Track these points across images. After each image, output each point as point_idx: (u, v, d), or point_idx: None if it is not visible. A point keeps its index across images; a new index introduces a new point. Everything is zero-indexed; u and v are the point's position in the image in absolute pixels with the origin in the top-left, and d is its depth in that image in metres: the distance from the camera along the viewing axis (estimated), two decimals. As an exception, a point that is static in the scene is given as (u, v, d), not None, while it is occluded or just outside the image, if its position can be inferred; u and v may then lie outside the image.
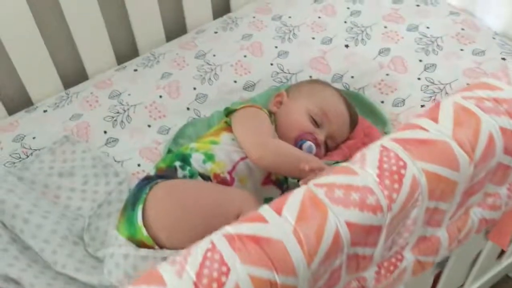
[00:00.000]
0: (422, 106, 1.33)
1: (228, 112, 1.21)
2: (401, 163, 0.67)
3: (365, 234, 0.65)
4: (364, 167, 0.67)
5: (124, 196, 1.21)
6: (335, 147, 1.24)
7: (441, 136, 0.70)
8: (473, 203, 0.80)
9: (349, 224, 0.63)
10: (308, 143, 1.15)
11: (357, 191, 0.65)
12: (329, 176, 0.67)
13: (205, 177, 1.09)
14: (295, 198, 0.64)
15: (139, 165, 1.28)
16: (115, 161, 1.29)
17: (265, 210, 0.64)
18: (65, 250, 1.08)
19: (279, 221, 0.62)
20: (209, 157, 1.11)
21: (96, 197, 1.22)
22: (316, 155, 1.17)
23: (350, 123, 1.25)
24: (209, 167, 1.10)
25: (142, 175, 1.25)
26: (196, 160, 1.11)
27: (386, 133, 1.28)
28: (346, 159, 1.23)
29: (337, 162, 1.21)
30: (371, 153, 0.69)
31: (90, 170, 1.27)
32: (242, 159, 1.12)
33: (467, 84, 1.35)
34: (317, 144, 1.17)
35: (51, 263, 1.06)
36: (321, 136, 1.19)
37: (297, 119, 1.19)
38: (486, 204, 0.83)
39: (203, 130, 1.33)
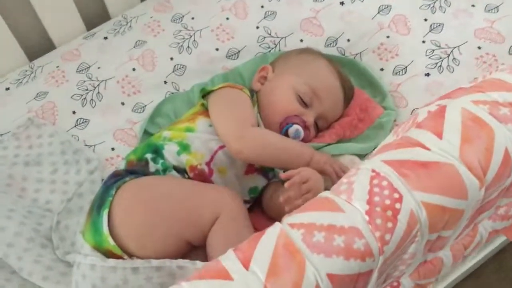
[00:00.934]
0: (426, 74, 1.18)
1: (205, 93, 1.07)
2: (396, 195, 0.55)
3: (352, 283, 0.54)
4: (351, 201, 0.55)
5: (96, 187, 1.10)
6: (327, 126, 1.11)
7: (446, 157, 0.57)
8: (482, 219, 0.68)
9: (331, 276, 0.52)
10: (295, 127, 1.02)
11: (342, 234, 0.53)
12: (308, 212, 0.55)
13: (180, 170, 0.98)
14: (266, 245, 0.53)
15: (113, 149, 1.16)
16: (86, 145, 1.17)
17: (230, 260, 0.53)
18: (32, 255, 0.98)
19: (246, 278, 0.51)
20: (184, 148, 0.99)
21: (66, 188, 1.11)
22: (305, 139, 1.05)
23: (345, 99, 1.11)
24: (184, 159, 0.98)
25: (116, 161, 1.14)
26: (170, 152, 0.99)
27: (384, 107, 1.14)
28: (340, 139, 1.11)
29: (329, 144, 1.08)
30: (359, 180, 0.57)
31: (59, 157, 1.15)
32: (221, 147, 0.99)
33: (478, 48, 1.19)
34: (306, 127, 1.04)
35: (16, 270, 0.97)
36: (310, 117, 1.05)
37: (282, 98, 1.05)
38: (497, 215, 0.72)
39: (183, 106, 1.20)
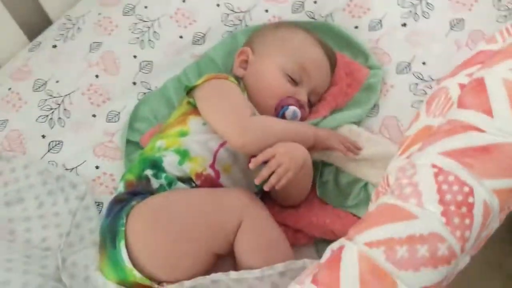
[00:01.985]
0: (403, 25, 1.15)
1: (189, 90, 0.99)
2: (466, 189, 0.52)
3: (441, 285, 0.52)
4: (423, 204, 0.52)
5: (91, 212, 1.03)
6: (318, 100, 1.07)
7: (504, 136, 0.55)
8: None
9: (424, 290, 0.50)
10: (291, 108, 0.98)
11: (424, 242, 0.51)
12: (381, 226, 0.52)
13: (186, 180, 0.92)
14: (349, 273, 0.50)
15: (97, 167, 1.08)
16: (67, 169, 1.08)
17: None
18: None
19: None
20: (184, 155, 0.93)
21: (58, 221, 1.03)
22: (302, 118, 1.01)
23: (330, 68, 1.07)
24: (187, 168, 0.92)
25: (104, 180, 1.07)
26: (170, 164, 0.92)
27: (369, 67, 1.11)
28: (333, 110, 1.07)
29: (325, 118, 1.05)
30: (423, 179, 0.54)
31: (41, 189, 1.06)
32: (221, 145, 0.94)
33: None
34: (301, 106, 1.00)
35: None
36: (303, 96, 1.01)
37: (272, 82, 1.00)
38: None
39: (161, 106, 1.12)
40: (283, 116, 0.99)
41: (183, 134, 0.95)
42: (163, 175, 0.91)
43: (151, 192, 0.90)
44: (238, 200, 0.86)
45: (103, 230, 0.89)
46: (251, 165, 0.87)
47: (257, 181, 0.86)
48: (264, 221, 0.87)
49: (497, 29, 1.10)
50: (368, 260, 0.50)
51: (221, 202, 0.87)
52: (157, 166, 0.92)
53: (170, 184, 0.91)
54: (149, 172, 0.92)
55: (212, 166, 0.93)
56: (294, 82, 1.01)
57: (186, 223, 0.84)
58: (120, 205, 0.89)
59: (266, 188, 0.87)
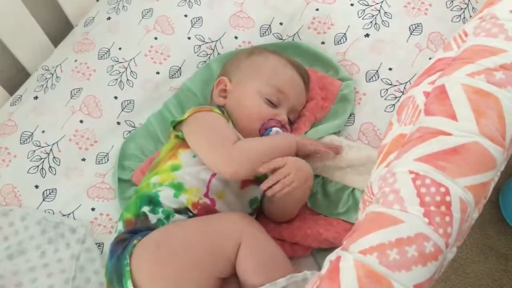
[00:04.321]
0: (366, 35, 1.21)
1: (176, 124, 1.04)
2: (443, 189, 0.58)
3: (433, 281, 0.57)
4: (406, 209, 0.58)
5: (94, 254, 1.06)
6: (297, 117, 1.13)
7: (469, 136, 0.61)
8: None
9: (419, 286, 0.55)
10: (274, 129, 1.03)
11: (411, 243, 0.56)
12: (371, 234, 0.57)
13: (182, 211, 0.96)
14: (349, 282, 0.54)
15: (93, 209, 1.11)
16: (64, 215, 1.11)
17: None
18: None
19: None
20: (179, 188, 0.97)
21: (62, 267, 1.06)
22: None
23: (305, 85, 1.12)
24: (184, 199, 0.96)
25: (102, 220, 1.10)
26: (167, 198, 0.96)
27: (340, 79, 1.17)
28: (313, 124, 1.12)
29: (306, 133, 1.10)
30: (403, 185, 0.59)
31: (42, 238, 1.08)
32: (213, 175, 0.98)
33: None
34: (283, 126, 1.05)
35: None
36: (283, 116, 1.06)
37: (252, 107, 1.05)
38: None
39: (147, 141, 1.16)
40: None
41: (175, 168, 0.99)
42: (160, 209, 0.95)
43: (151, 228, 0.94)
44: (235, 223, 0.90)
45: (109, 272, 0.92)
46: (261, 169, 0.92)
47: (263, 187, 0.92)
48: (261, 240, 0.91)
49: (452, 28, 1.18)
50: (364, 266, 0.55)
51: (219, 228, 0.90)
52: (153, 201, 0.96)
53: (168, 217, 0.95)
54: (146, 209, 0.96)
55: (206, 195, 0.97)
56: (273, 104, 1.06)
57: (187, 253, 0.88)
58: (122, 245, 0.92)
59: (269, 193, 0.92)
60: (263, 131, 1.03)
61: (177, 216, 0.95)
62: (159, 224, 0.95)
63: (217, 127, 1.00)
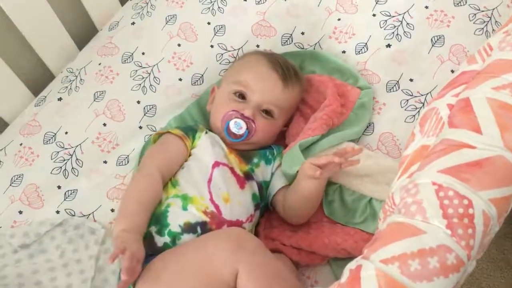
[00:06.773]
0: (387, 46, 1.22)
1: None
2: (466, 202, 0.58)
3: (453, 293, 0.58)
4: (428, 220, 0.58)
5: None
6: (284, 110, 1.11)
7: (493, 150, 0.61)
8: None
9: (439, 298, 0.55)
10: (233, 121, 1.05)
11: (433, 254, 0.56)
12: (393, 243, 0.57)
13: (191, 229, 0.96)
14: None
15: (112, 210, 1.12)
16: (84, 215, 1.12)
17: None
18: None
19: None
20: (184, 198, 1.00)
21: (81, 267, 1.07)
22: (249, 129, 1.06)
23: (284, 78, 1.09)
24: (193, 209, 0.97)
25: (120, 222, 1.11)
26: (176, 213, 0.98)
27: (359, 87, 1.18)
28: (330, 129, 1.12)
29: (323, 136, 1.10)
30: (426, 196, 0.59)
31: (62, 238, 1.10)
32: (209, 181, 1.02)
33: (426, 7, 1.24)
34: (246, 118, 1.05)
35: None
36: (248, 109, 1.06)
37: (218, 106, 1.10)
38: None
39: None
40: (228, 131, 1.05)
41: (174, 184, 1.03)
42: (166, 231, 0.96)
43: (157, 251, 0.94)
44: (226, 250, 0.86)
45: None
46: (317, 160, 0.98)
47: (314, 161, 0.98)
48: (259, 259, 0.87)
49: (475, 41, 1.18)
50: (385, 275, 0.56)
51: (211, 259, 0.86)
52: (160, 220, 0.97)
53: (174, 240, 0.95)
54: (153, 229, 0.97)
55: (211, 200, 0.99)
56: (240, 100, 1.08)
57: (185, 285, 0.87)
58: None
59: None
60: (223, 124, 1.06)
61: (183, 237, 0.95)
62: (166, 248, 0.95)
63: (159, 148, 1.08)
